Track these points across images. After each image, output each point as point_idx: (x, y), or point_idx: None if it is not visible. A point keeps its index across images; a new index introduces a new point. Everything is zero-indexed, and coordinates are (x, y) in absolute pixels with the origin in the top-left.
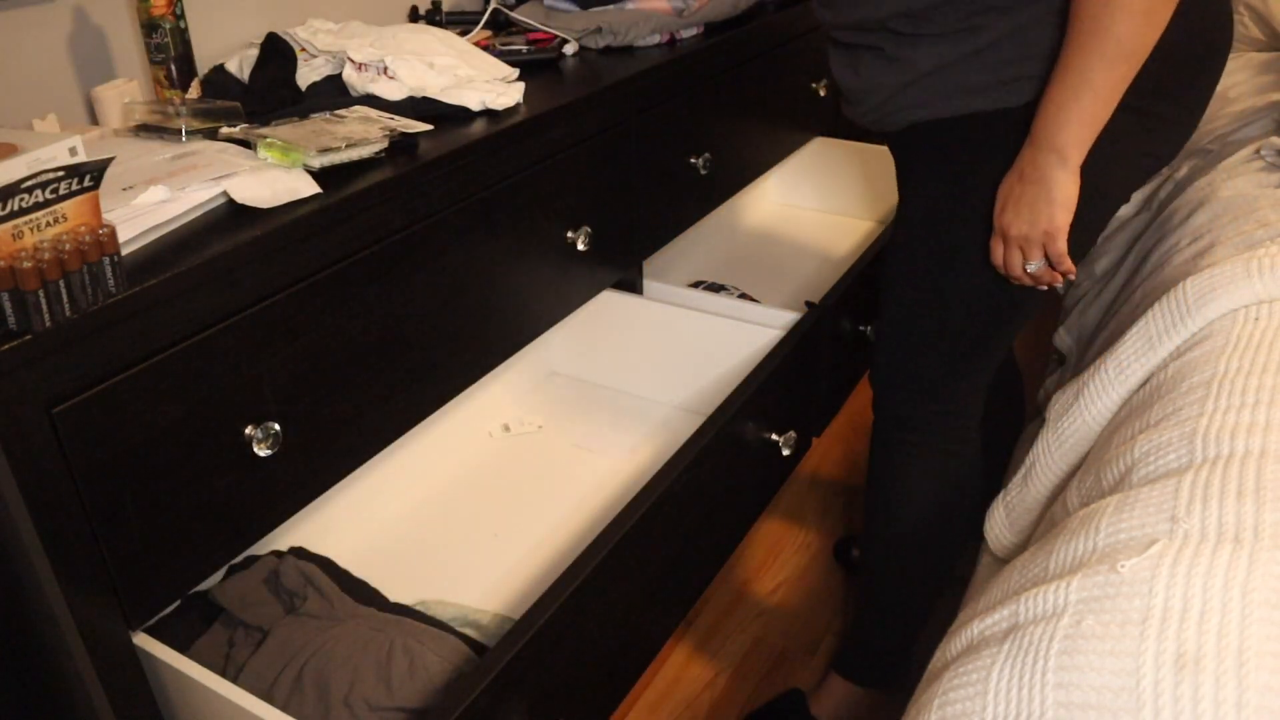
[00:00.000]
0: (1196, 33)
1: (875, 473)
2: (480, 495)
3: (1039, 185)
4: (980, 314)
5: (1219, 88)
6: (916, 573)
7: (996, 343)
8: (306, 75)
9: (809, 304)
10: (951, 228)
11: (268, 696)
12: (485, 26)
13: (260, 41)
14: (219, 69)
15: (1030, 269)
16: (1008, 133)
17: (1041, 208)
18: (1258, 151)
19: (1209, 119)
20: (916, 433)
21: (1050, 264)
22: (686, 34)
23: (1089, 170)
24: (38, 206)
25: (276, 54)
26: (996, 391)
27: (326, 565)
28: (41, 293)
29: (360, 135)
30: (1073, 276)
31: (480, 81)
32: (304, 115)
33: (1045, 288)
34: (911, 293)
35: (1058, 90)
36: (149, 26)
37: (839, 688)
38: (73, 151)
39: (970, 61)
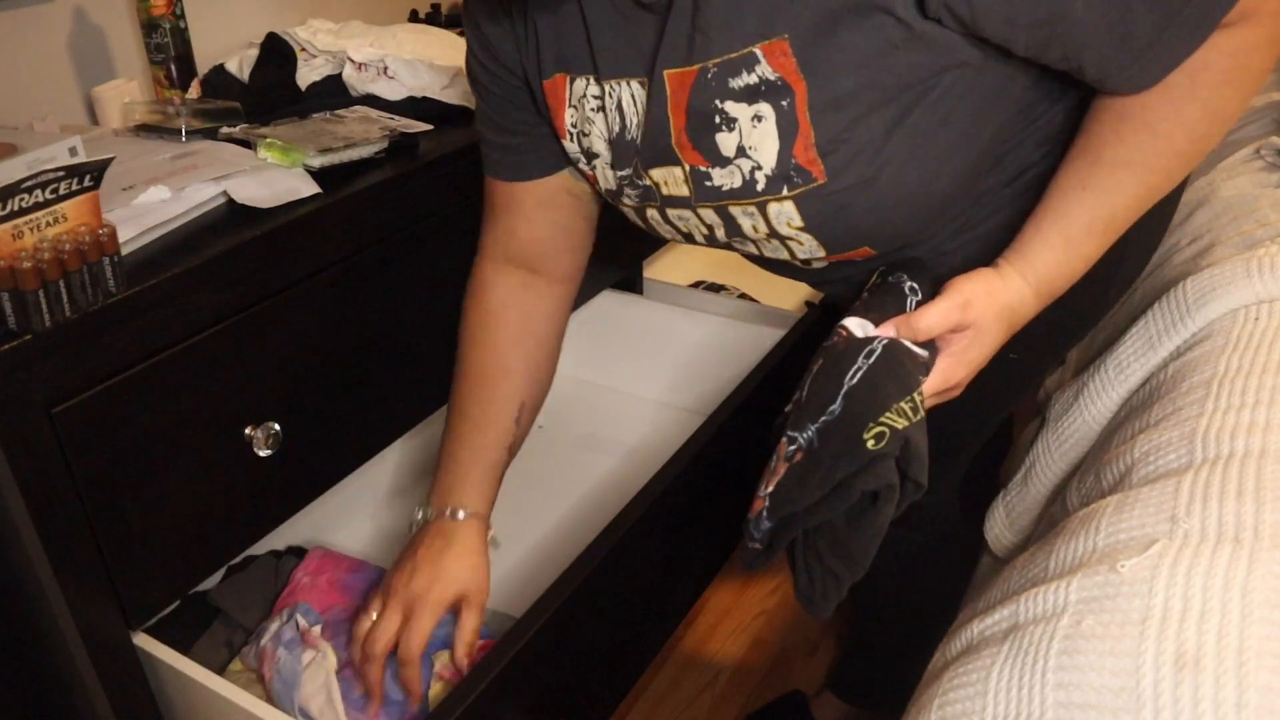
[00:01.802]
0: None
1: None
2: None
3: (998, 335)
4: (985, 418)
5: None
6: (908, 616)
7: (972, 446)
8: (306, 75)
9: (809, 304)
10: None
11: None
12: None
13: (260, 41)
14: (219, 69)
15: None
16: None
17: (986, 356)
18: (1258, 151)
19: None
20: (908, 526)
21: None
22: None
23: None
24: (38, 206)
25: (276, 54)
26: None
27: None
28: (41, 293)
29: (360, 135)
30: None
31: None
32: (304, 115)
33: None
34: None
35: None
36: (149, 26)
37: (837, 703)
38: (73, 151)
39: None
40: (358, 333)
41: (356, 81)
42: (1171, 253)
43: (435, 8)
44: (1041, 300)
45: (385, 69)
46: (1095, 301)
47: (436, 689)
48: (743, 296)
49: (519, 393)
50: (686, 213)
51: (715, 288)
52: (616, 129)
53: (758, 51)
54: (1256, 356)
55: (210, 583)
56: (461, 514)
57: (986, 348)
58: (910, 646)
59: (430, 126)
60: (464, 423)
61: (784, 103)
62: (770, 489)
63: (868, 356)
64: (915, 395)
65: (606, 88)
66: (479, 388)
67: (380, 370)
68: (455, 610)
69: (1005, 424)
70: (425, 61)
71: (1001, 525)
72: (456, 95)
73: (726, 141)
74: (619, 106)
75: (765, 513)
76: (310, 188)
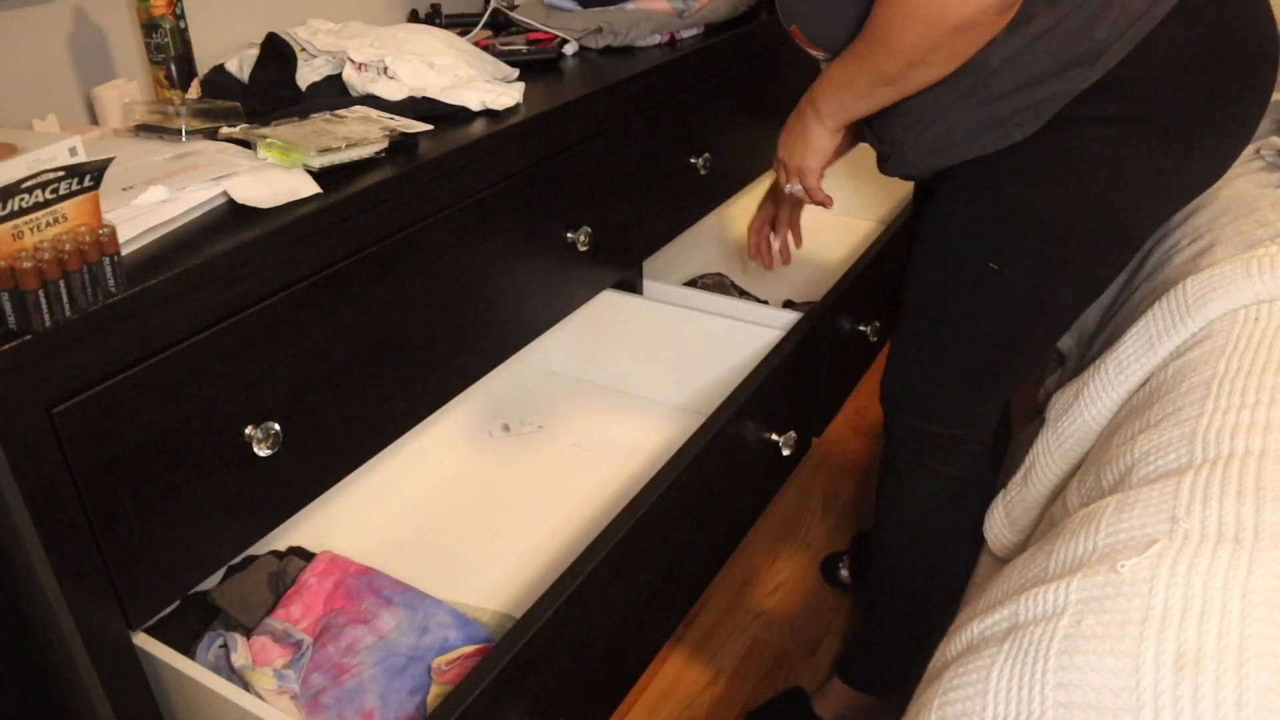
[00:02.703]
0: (1215, 47)
1: (885, 491)
2: (480, 495)
3: (800, 126)
4: (990, 341)
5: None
6: (923, 588)
7: (1006, 370)
8: (306, 75)
9: (789, 303)
10: (964, 252)
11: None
12: (485, 27)
13: (260, 41)
14: (219, 69)
15: (788, 189)
16: (1024, 157)
17: (799, 146)
18: (1258, 151)
19: None
20: (927, 456)
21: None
22: (687, 34)
23: (1101, 189)
24: (38, 206)
25: (276, 54)
26: None
27: None
28: (41, 293)
29: (360, 135)
30: (826, 204)
31: (480, 81)
32: (304, 115)
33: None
34: (924, 316)
35: (839, 63)
36: (149, 26)
37: (843, 692)
38: (73, 151)
39: (966, 103)
40: (358, 333)
41: (356, 81)
42: (1171, 253)
43: (435, 8)
44: (814, 100)
45: (385, 69)
46: (1076, 230)
47: (436, 689)
48: (741, 291)
49: None
50: None
51: (711, 280)
52: None
53: None
54: (1256, 356)
55: (210, 583)
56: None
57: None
58: (923, 619)
59: (430, 126)
60: None
61: None
62: None
63: None
64: None
65: None
66: None
67: (380, 370)
68: None
69: (1005, 424)
70: (425, 61)
71: (1001, 525)
72: (456, 95)
73: None
74: None
75: None
76: (310, 188)
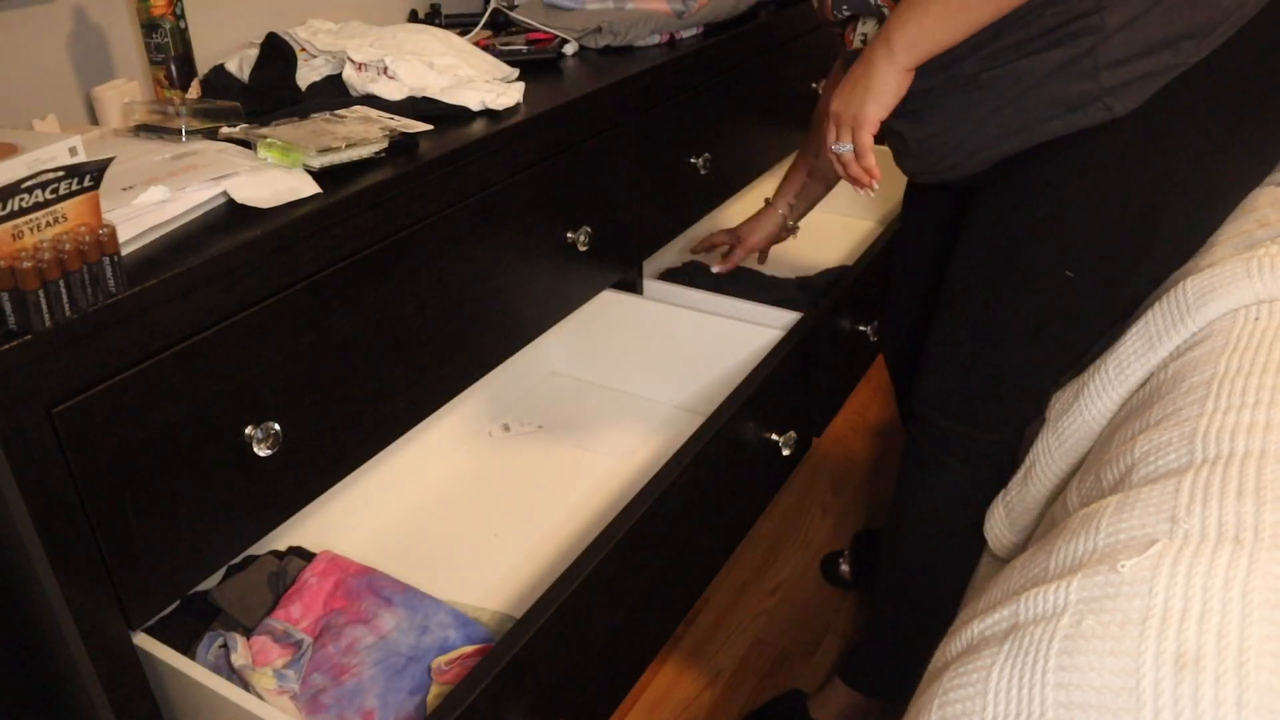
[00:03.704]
0: None
1: (905, 488)
2: (480, 495)
3: (866, 69)
4: (1044, 348)
5: None
6: (935, 589)
7: (1050, 375)
8: (306, 75)
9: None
10: (1027, 258)
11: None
12: (485, 27)
13: (260, 41)
14: (219, 69)
15: (835, 149)
16: (1107, 144)
17: (859, 92)
18: None
19: None
20: (955, 456)
21: (856, 153)
22: (686, 34)
23: (1195, 186)
24: (38, 206)
25: (276, 54)
26: None
27: None
28: (41, 293)
29: (360, 135)
30: (872, 182)
31: (480, 81)
32: (304, 115)
33: (859, 189)
34: (972, 321)
35: None
36: (149, 26)
37: (843, 694)
38: (73, 151)
39: (1069, 71)
40: (358, 333)
41: (356, 81)
42: None
43: (435, 8)
44: (888, 35)
45: (385, 69)
46: (1144, 235)
47: (436, 689)
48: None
49: None
50: None
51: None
52: None
53: None
54: (1256, 356)
55: (210, 583)
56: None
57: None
58: (930, 622)
59: (430, 126)
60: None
61: None
62: None
63: None
64: None
65: None
66: None
67: (380, 370)
68: None
69: None
70: (425, 61)
71: (1001, 525)
72: (456, 95)
73: None
74: None
75: None
76: (310, 188)
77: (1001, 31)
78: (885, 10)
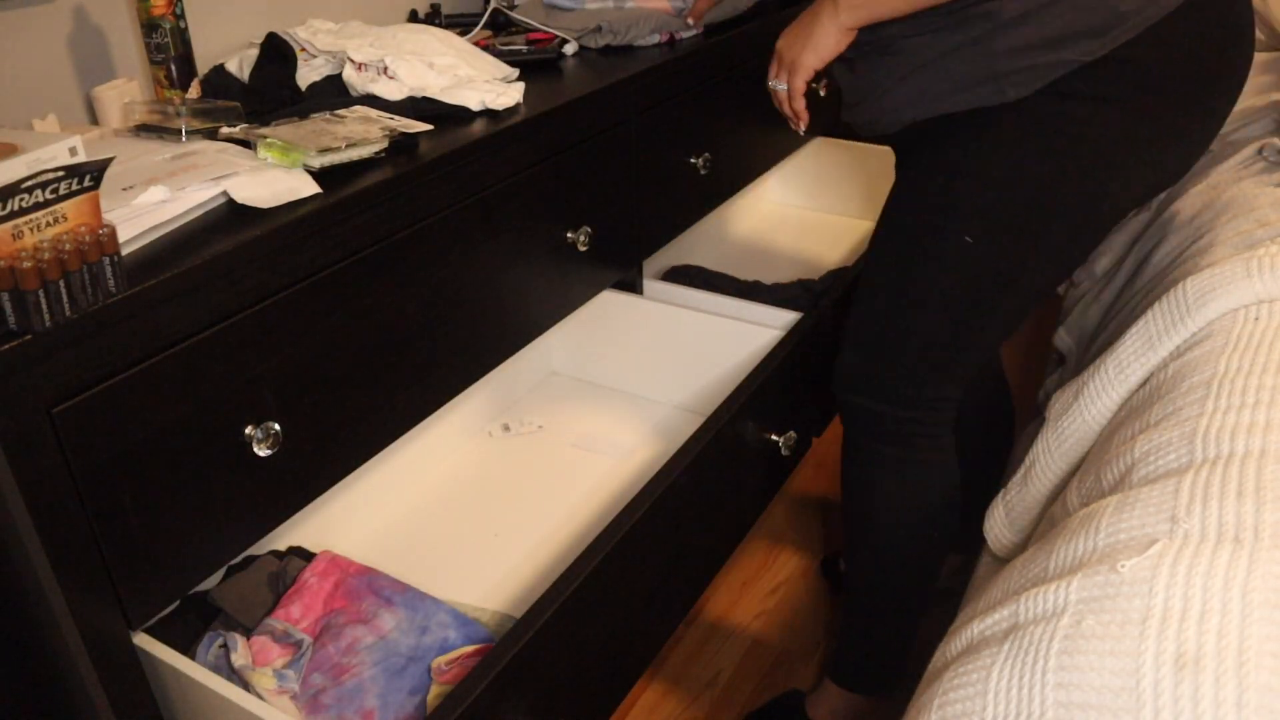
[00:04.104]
0: (1214, 42)
1: (848, 482)
2: (480, 495)
3: (813, 18)
4: (953, 318)
5: None
6: (898, 580)
7: (970, 349)
8: (306, 75)
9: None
10: (933, 223)
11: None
12: (485, 27)
13: (260, 41)
14: (219, 69)
15: (771, 84)
16: (1004, 125)
17: (801, 39)
18: (1259, 151)
19: None
20: (887, 441)
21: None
22: (686, 34)
23: (1092, 168)
24: (38, 206)
25: (276, 54)
26: (983, 402)
27: None
28: (41, 293)
29: (360, 135)
30: (799, 124)
31: (480, 81)
32: (304, 115)
33: (793, 127)
34: (885, 291)
35: None
36: (149, 26)
37: (834, 693)
38: (73, 151)
39: (966, 52)
40: (358, 333)
41: (356, 81)
42: (1172, 252)
43: (435, 8)
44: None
45: (385, 69)
46: (1061, 205)
47: (436, 689)
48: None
49: None
50: None
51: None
52: None
53: None
54: (1256, 356)
55: (210, 583)
56: None
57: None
58: (902, 613)
59: (430, 126)
60: None
61: None
62: None
63: None
64: None
65: None
66: None
67: (380, 370)
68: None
69: (1007, 423)
70: (425, 61)
71: (1001, 525)
72: (456, 95)
73: None
74: None
75: None
76: (310, 188)
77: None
78: None
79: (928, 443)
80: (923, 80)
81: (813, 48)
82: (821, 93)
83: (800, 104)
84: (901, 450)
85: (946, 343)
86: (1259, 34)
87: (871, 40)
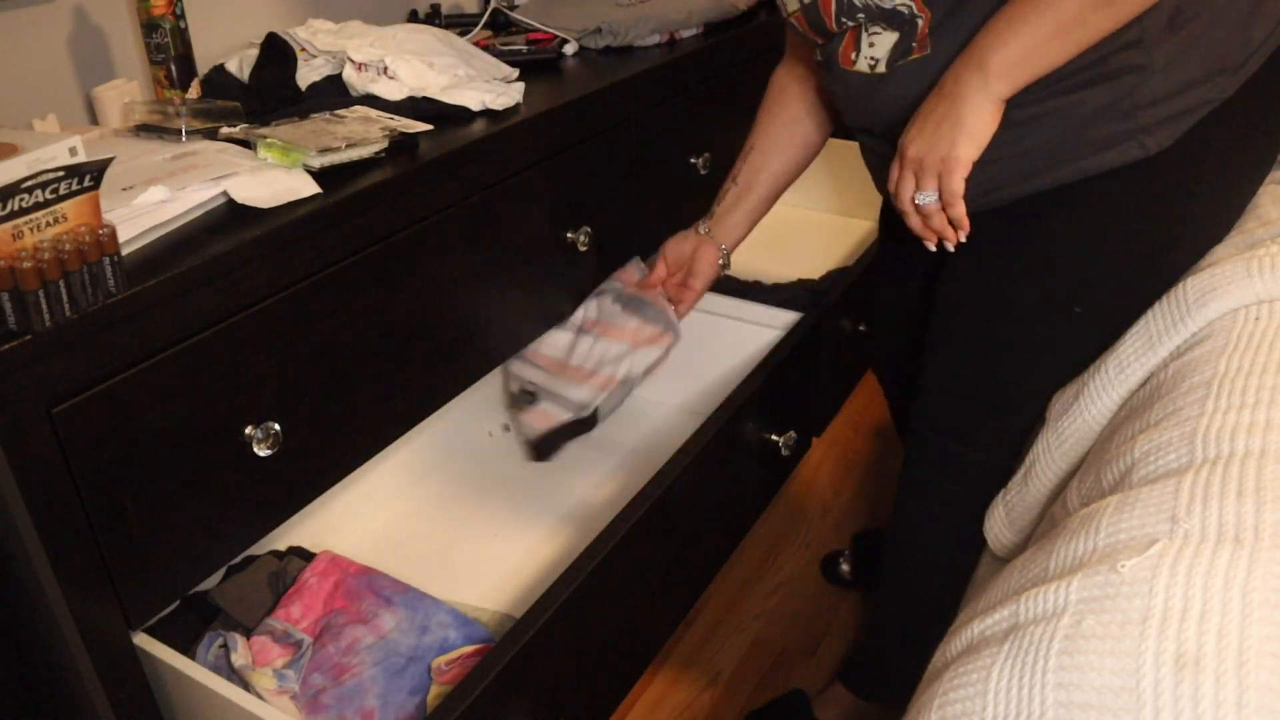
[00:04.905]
0: None
1: (903, 508)
2: (480, 495)
3: (952, 103)
4: (1048, 379)
5: None
6: (935, 595)
7: (1044, 395)
8: (306, 75)
9: (804, 283)
10: (1037, 294)
11: None
12: (485, 27)
13: (260, 41)
14: (219, 69)
15: (919, 200)
16: (1130, 183)
17: (946, 130)
18: None
19: None
20: (955, 473)
21: (942, 201)
22: (686, 33)
23: (1215, 189)
24: (38, 206)
25: (276, 54)
26: None
27: None
28: (41, 293)
29: (360, 135)
30: (961, 232)
31: (480, 81)
32: (304, 115)
33: (932, 246)
34: (977, 353)
35: (1015, 5)
36: (149, 26)
37: (843, 697)
38: (73, 151)
39: (1110, 108)
40: (358, 333)
41: (356, 81)
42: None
43: (435, 8)
44: (982, 60)
45: (385, 69)
46: (1155, 270)
47: (436, 689)
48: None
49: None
50: None
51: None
52: None
53: None
54: (1257, 356)
55: (210, 583)
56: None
57: (941, 106)
58: (929, 629)
59: (430, 126)
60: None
61: None
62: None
63: None
64: None
65: None
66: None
67: (380, 370)
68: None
69: None
70: (425, 61)
71: (1001, 525)
72: (456, 95)
73: None
74: None
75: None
76: (310, 188)
77: None
78: (918, 19)
79: (988, 472)
80: (1050, 149)
81: (968, 136)
82: None
83: (961, 209)
84: (963, 480)
85: (1029, 395)
86: None
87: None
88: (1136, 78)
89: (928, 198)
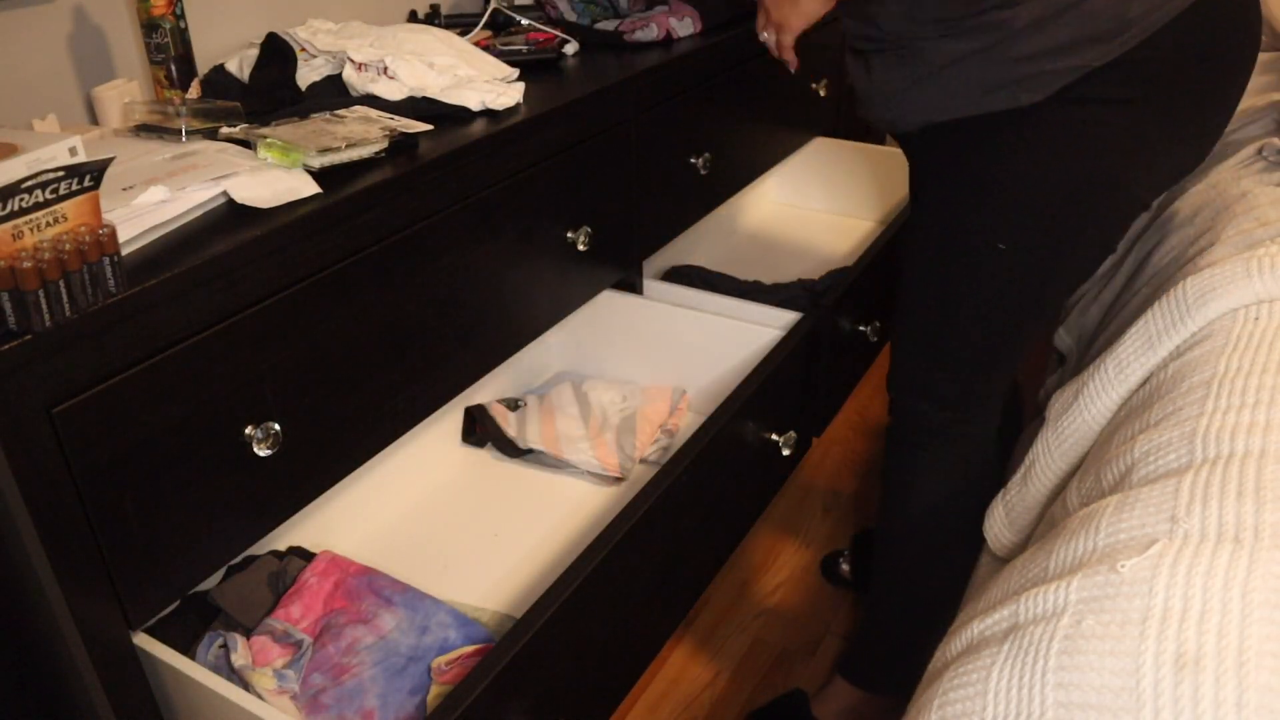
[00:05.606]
0: (1223, 38)
1: (891, 477)
2: (480, 495)
3: None
4: (995, 321)
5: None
6: (924, 582)
7: (1012, 349)
8: (306, 75)
9: (804, 283)
10: (965, 234)
11: None
12: (485, 27)
13: (260, 41)
14: (219, 69)
15: (761, 36)
16: (1024, 133)
17: (786, 4)
18: (1259, 151)
19: None
20: (933, 438)
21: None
22: (685, 32)
23: (1109, 167)
24: (38, 206)
25: (276, 54)
26: None
27: None
28: (41, 293)
29: (360, 135)
30: (792, 68)
31: (480, 81)
32: (304, 115)
33: (789, 69)
34: (925, 300)
35: None
36: (149, 26)
37: (844, 691)
38: (73, 151)
39: (981, 58)
40: (358, 332)
41: (356, 81)
42: (1172, 252)
43: (435, 8)
44: None
45: (385, 69)
46: (1085, 206)
47: (436, 689)
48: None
49: None
50: None
51: (691, 271)
52: None
53: None
54: (1256, 356)
55: (210, 583)
56: None
57: None
58: (925, 615)
59: (430, 126)
60: None
61: None
62: None
63: None
64: None
65: None
66: None
67: (380, 370)
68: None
69: (1015, 417)
70: (425, 61)
71: (1001, 525)
72: (456, 95)
73: None
74: None
75: None
76: (310, 188)
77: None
78: None
79: (968, 441)
80: (940, 84)
81: (798, 12)
82: (822, 93)
83: (789, 54)
84: (943, 448)
85: (988, 345)
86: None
87: (885, 39)
88: (999, 33)
89: (767, 38)
